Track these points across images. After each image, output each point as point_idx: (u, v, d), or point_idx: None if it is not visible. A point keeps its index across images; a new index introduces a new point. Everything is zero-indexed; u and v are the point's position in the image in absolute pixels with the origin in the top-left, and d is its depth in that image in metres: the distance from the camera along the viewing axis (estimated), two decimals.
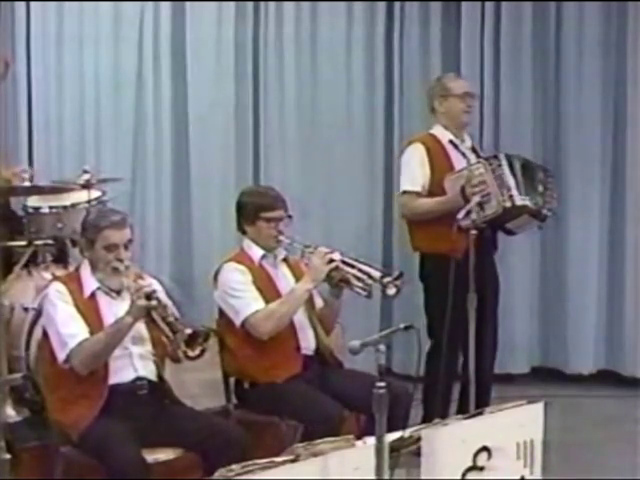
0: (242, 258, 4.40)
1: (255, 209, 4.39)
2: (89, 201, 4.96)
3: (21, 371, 4.57)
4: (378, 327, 6.16)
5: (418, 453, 3.05)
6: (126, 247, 3.93)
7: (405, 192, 5.09)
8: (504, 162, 4.90)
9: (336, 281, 4.30)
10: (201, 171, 6.22)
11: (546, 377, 6.53)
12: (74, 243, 4.89)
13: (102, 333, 3.83)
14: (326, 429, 3.64)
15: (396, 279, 4.21)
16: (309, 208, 6.10)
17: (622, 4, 6.40)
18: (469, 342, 4.52)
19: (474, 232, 4.52)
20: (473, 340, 4.52)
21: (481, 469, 3.12)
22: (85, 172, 4.99)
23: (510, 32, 6.49)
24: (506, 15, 6.49)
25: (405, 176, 5.11)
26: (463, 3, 6.50)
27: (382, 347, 2.97)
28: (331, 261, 4.27)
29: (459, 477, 3.09)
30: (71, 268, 4.62)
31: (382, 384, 2.87)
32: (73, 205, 4.98)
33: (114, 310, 3.91)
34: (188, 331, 3.72)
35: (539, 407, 3.32)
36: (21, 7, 5.79)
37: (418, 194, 5.04)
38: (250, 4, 6.32)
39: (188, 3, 6.16)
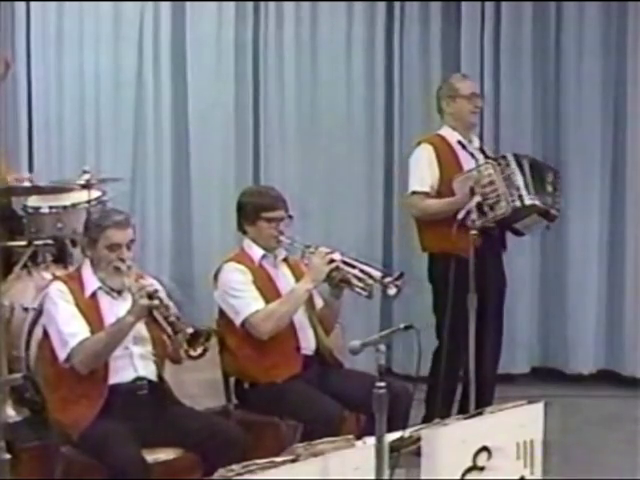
0: (242, 258, 4.39)
1: (256, 209, 4.38)
2: (89, 201, 4.95)
3: (21, 371, 4.56)
4: (378, 327, 6.16)
5: (418, 453, 3.04)
6: (128, 247, 3.93)
7: (414, 193, 5.09)
8: (513, 162, 4.90)
9: (336, 281, 4.29)
10: (201, 171, 6.22)
11: (546, 377, 6.53)
12: (74, 243, 4.90)
13: (103, 332, 3.83)
14: (326, 429, 3.63)
15: (397, 279, 4.21)
16: (309, 208, 6.10)
17: (622, 4, 6.40)
18: (469, 342, 4.52)
19: (474, 232, 4.52)
20: (473, 340, 4.52)
21: (481, 469, 3.12)
22: (85, 172, 4.98)
23: (510, 32, 6.49)
24: (506, 15, 6.49)
25: (414, 177, 5.11)
26: (463, 3, 6.50)
27: (382, 347, 2.96)
28: (331, 261, 4.26)
29: (459, 477, 3.08)
30: (71, 268, 4.62)
31: (382, 384, 2.86)
32: (73, 205, 4.98)
33: (115, 310, 3.91)
34: (190, 330, 3.71)
35: (539, 407, 3.31)
36: (21, 7, 5.78)
37: (427, 195, 5.05)
38: (250, 4, 6.31)
39: (188, 3, 6.16)
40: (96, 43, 5.99)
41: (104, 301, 3.94)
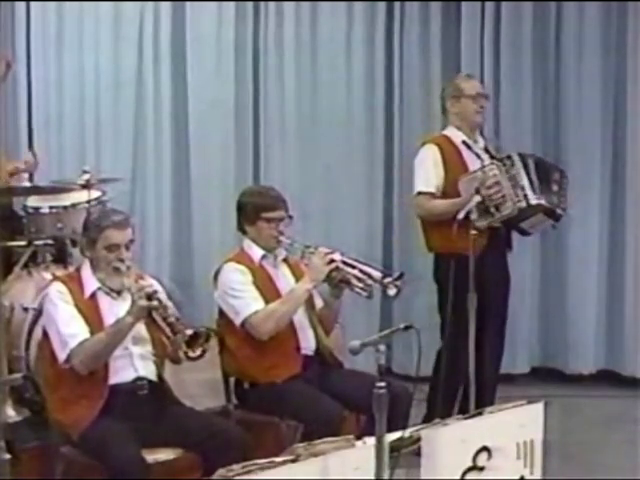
0: (242, 258, 4.39)
1: (256, 209, 4.38)
2: (89, 201, 4.95)
3: (21, 371, 4.57)
4: (378, 327, 6.16)
5: (418, 453, 3.03)
6: (127, 247, 3.92)
7: (420, 193, 5.08)
8: (518, 162, 4.89)
9: (336, 281, 4.28)
10: (201, 171, 6.22)
11: (546, 377, 6.52)
12: (74, 243, 4.89)
13: (103, 333, 3.82)
14: (326, 429, 3.62)
15: (397, 279, 4.20)
16: (309, 208, 6.09)
17: (622, 3, 6.38)
18: (469, 341, 4.52)
19: (474, 232, 4.51)
20: (473, 340, 4.51)
21: (481, 469, 3.11)
22: (85, 172, 4.98)
23: (510, 31, 6.47)
24: (506, 14, 6.47)
25: (419, 177, 5.10)
26: (463, 3, 6.48)
27: (382, 347, 2.96)
28: (331, 261, 4.26)
29: (459, 477, 3.07)
30: (71, 268, 4.62)
31: (382, 384, 2.86)
32: (73, 205, 4.98)
33: (115, 310, 3.90)
34: (189, 332, 3.71)
35: (539, 407, 3.30)
36: (21, 7, 5.79)
37: (432, 195, 5.04)
38: (250, 4, 6.30)
39: (188, 3, 6.15)
40: (96, 43, 6.00)
41: (103, 302, 3.94)
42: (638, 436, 5.09)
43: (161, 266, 6.03)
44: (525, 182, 4.86)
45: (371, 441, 2.89)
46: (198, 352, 3.74)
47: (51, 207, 4.98)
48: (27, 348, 4.60)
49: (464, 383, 4.87)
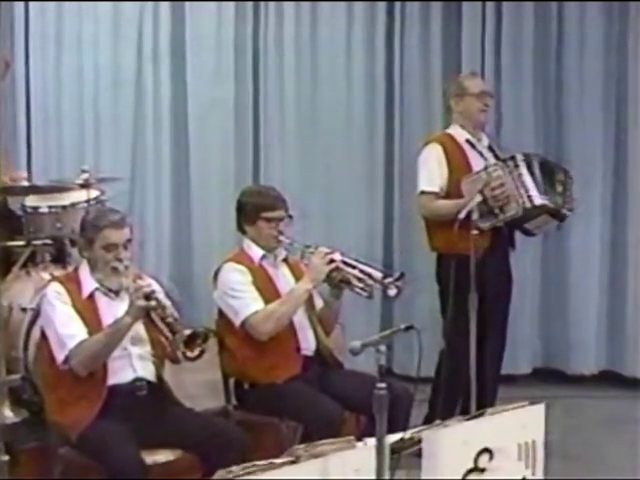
0: (242, 258, 4.38)
1: (256, 209, 4.37)
2: (88, 201, 4.93)
3: (19, 372, 4.56)
4: (379, 328, 6.15)
5: (419, 454, 3.02)
6: (125, 247, 3.91)
7: (423, 192, 5.06)
8: (522, 163, 4.87)
9: (336, 281, 4.28)
10: (201, 170, 6.21)
11: (548, 378, 6.51)
12: (73, 243, 4.86)
13: (101, 334, 3.80)
14: (326, 430, 3.63)
15: (397, 280, 4.19)
16: (309, 208, 6.07)
17: (624, 3, 6.37)
18: (470, 342, 4.51)
19: (474, 232, 4.50)
20: (474, 340, 4.51)
21: (482, 470, 3.10)
22: (84, 171, 4.97)
23: (511, 32, 6.46)
24: (507, 14, 6.46)
25: (423, 176, 5.07)
26: (464, 3, 6.47)
27: (383, 348, 2.96)
28: (331, 261, 4.25)
29: (460, 479, 3.06)
30: (70, 268, 4.60)
31: (382, 385, 2.85)
32: (72, 205, 4.96)
33: (113, 311, 3.89)
34: (187, 332, 3.70)
35: (541, 408, 3.29)
36: (19, 6, 5.77)
37: (436, 194, 5.02)
38: (250, 3, 6.29)
39: (188, 2, 6.14)
40: (95, 42, 5.98)
41: (102, 302, 3.92)
42: None
43: (160, 266, 6.01)
44: (529, 182, 4.84)
45: (372, 442, 2.88)
46: (196, 352, 3.73)
47: (50, 207, 4.96)
48: (25, 349, 4.58)
49: (465, 384, 4.85)
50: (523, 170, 4.86)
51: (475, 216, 4.62)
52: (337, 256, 4.27)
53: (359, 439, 2.97)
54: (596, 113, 6.46)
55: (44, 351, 3.92)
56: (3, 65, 5.12)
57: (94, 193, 5.01)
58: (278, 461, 2.75)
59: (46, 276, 4.76)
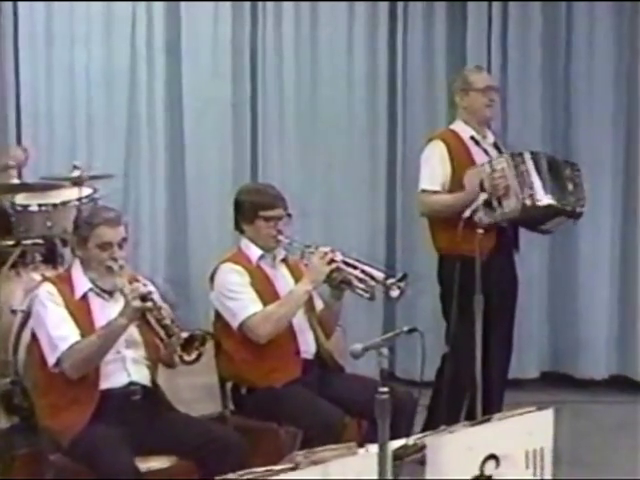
0: (239, 258, 4.34)
1: (254, 208, 4.33)
2: (80, 199, 4.93)
3: (9, 376, 4.56)
4: (381, 330, 6.13)
5: (422, 462, 2.98)
6: (120, 246, 3.86)
7: (424, 191, 5.00)
8: (529, 160, 4.81)
9: (337, 282, 4.25)
10: (197, 168, 6.21)
11: (556, 382, 6.48)
12: (64, 242, 4.89)
13: (94, 336, 3.76)
14: (327, 436, 3.61)
15: (400, 281, 4.16)
16: (309, 207, 6.07)
17: (634, 3, 6.34)
18: (476, 345, 4.46)
19: (480, 231, 4.44)
20: (480, 343, 4.46)
21: (488, 478, 3.06)
22: (75, 168, 4.91)
23: (519, 30, 6.42)
24: (514, 13, 6.43)
25: (424, 174, 5.01)
26: (469, 2, 6.43)
27: (385, 351, 2.94)
28: (332, 261, 4.21)
29: None
30: (61, 269, 4.63)
31: (385, 389, 2.82)
32: (63, 203, 4.95)
33: (106, 312, 3.84)
34: (184, 335, 3.66)
35: (549, 413, 3.25)
36: (8, 4, 5.77)
37: (437, 193, 4.95)
38: (247, 3, 6.26)
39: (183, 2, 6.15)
40: (87, 39, 5.98)
41: (95, 303, 3.88)
42: None
43: (155, 266, 6.01)
44: (536, 181, 4.78)
45: (373, 449, 2.86)
46: (193, 356, 3.71)
47: (40, 205, 4.96)
48: (15, 352, 4.55)
49: (471, 388, 4.78)
50: (529, 167, 4.79)
51: (481, 214, 4.60)
52: (338, 256, 4.24)
53: (360, 445, 2.95)
54: (605, 112, 6.42)
55: (35, 354, 3.88)
56: None
57: (86, 191, 5.02)
58: (277, 468, 2.74)
59: (36, 277, 4.74)
